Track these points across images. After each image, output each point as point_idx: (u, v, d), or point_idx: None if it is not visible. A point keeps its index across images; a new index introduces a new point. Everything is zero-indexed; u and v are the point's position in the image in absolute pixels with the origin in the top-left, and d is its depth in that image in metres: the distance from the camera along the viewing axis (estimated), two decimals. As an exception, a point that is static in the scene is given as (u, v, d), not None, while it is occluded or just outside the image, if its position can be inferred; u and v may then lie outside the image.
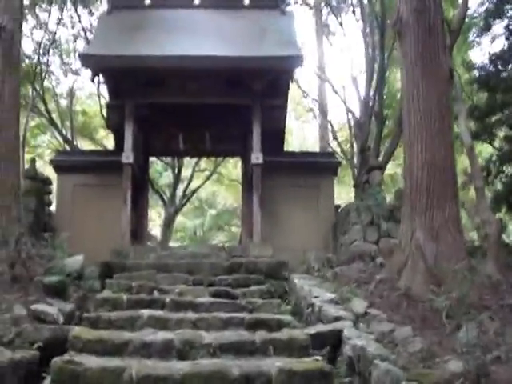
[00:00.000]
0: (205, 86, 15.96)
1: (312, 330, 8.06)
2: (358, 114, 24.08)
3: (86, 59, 15.52)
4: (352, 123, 25.22)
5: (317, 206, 16.94)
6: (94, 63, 15.42)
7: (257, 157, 15.62)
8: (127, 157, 15.42)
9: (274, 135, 16.96)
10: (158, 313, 8.85)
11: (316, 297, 9.38)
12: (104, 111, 20.12)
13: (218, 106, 16.54)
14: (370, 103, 22.57)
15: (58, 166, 17.17)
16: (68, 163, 17.07)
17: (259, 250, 14.27)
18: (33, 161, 16.70)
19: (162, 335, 7.60)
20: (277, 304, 9.98)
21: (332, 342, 7.65)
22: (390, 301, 9.11)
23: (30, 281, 9.32)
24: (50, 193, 17.01)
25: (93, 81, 16.14)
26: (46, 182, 16.77)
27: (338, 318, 8.17)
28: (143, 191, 17.94)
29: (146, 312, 8.69)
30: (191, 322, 8.44)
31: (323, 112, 30.17)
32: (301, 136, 40.10)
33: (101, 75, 16.47)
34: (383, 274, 10.27)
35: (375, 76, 22.69)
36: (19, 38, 11.20)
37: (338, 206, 17.81)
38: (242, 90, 15.96)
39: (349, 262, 12.03)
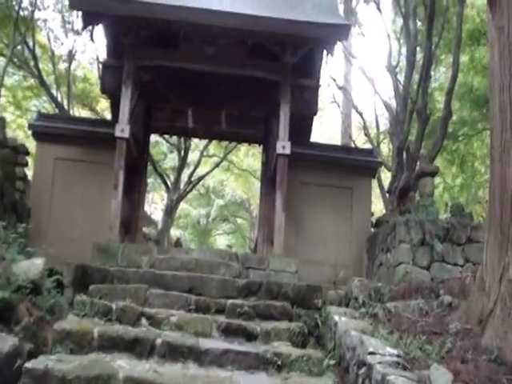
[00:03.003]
0: (225, 52, 12.96)
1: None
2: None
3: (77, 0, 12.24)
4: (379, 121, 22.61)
5: (350, 212, 14.16)
6: (87, 5, 12.12)
7: (283, 145, 12.65)
8: (122, 129, 12.25)
9: (302, 122, 14.08)
10: (142, 368, 5.96)
11: (372, 353, 6.45)
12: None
13: (238, 79, 13.55)
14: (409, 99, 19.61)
15: (38, 133, 14.09)
16: (50, 130, 13.87)
17: (281, 264, 11.59)
18: (1, 120, 13.29)
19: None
20: (317, 360, 6.99)
21: None
22: (478, 370, 6.32)
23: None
24: (24, 165, 13.94)
25: (84, 28, 12.72)
26: (19, 150, 13.56)
27: (416, 403, 5.31)
28: (140, 174, 14.82)
29: (123, 365, 5.88)
30: (192, 392, 5.52)
31: (348, 105, 27.38)
32: (318, 132, 37.20)
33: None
34: (458, 323, 7.54)
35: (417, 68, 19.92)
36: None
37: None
38: (270, 61, 13.03)
39: (403, 296, 9.10)
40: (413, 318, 7.96)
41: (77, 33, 24.35)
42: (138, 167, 14.34)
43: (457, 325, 7.42)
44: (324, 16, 12.65)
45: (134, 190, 14.18)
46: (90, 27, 12.69)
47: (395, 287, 9.52)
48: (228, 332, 7.54)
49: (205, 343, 6.83)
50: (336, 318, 8.05)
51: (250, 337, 7.56)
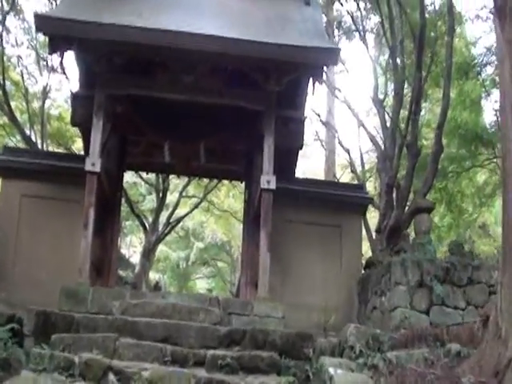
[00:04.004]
0: (204, 81, 12.06)
1: None
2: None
3: (44, 22, 11.27)
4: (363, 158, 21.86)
5: (339, 252, 13.16)
6: (54, 28, 11.23)
7: (268, 180, 11.68)
8: (93, 163, 11.28)
9: (287, 156, 13.19)
10: None
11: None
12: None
13: (218, 110, 12.66)
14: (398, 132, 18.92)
15: (3, 168, 12.96)
16: (17, 165, 12.77)
17: (266, 308, 10.57)
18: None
19: None
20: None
21: None
22: None
23: None
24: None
25: (52, 53, 11.85)
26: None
27: None
28: (114, 212, 13.74)
29: None
30: None
31: (332, 142, 26.69)
32: (300, 170, 36.54)
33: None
34: (471, 375, 6.56)
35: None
36: None
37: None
38: (252, 90, 12.13)
39: (406, 344, 8.17)
40: (418, 370, 7.01)
41: (52, 69, 23.46)
42: (110, 205, 13.34)
43: (470, 378, 6.52)
44: (310, 40, 11.87)
45: (107, 230, 13.17)
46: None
47: (396, 335, 8.56)
48: (208, 388, 6.57)
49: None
50: (331, 370, 7.09)
51: (235, 394, 6.59)
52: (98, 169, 11.28)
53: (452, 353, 7.60)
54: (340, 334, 8.80)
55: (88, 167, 11.25)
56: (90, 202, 11.12)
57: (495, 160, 23.13)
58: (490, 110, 34.20)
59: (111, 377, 6.47)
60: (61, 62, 12.54)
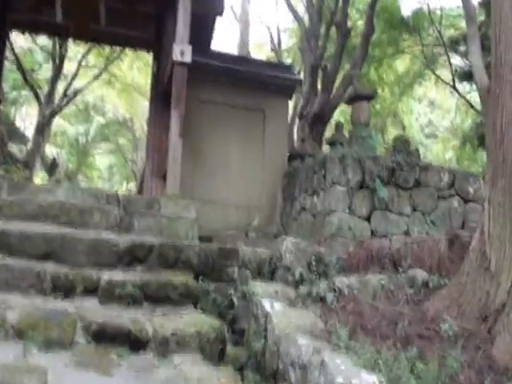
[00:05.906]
0: None
1: None
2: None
3: None
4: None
5: (262, 141, 11.54)
6: None
7: (182, 50, 9.57)
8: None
9: (202, 24, 11.06)
10: None
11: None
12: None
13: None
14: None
15: None
16: None
17: (176, 208, 8.54)
18: None
19: None
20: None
21: None
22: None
23: None
24: None
25: None
26: None
27: None
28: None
29: None
30: None
31: (246, 14, 24.54)
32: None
33: None
34: (449, 318, 5.09)
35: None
36: None
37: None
38: None
39: (357, 267, 6.56)
40: (380, 307, 5.42)
41: None
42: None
43: (451, 324, 4.91)
44: None
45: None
46: None
47: (344, 255, 6.86)
48: (101, 337, 4.70)
49: (57, 370, 3.93)
50: (267, 305, 5.36)
51: (137, 345, 4.75)
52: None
53: (417, 282, 5.99)
54: (272, 248, 7.09)
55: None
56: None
57: (420, 47, 21.73)
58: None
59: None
60: None
